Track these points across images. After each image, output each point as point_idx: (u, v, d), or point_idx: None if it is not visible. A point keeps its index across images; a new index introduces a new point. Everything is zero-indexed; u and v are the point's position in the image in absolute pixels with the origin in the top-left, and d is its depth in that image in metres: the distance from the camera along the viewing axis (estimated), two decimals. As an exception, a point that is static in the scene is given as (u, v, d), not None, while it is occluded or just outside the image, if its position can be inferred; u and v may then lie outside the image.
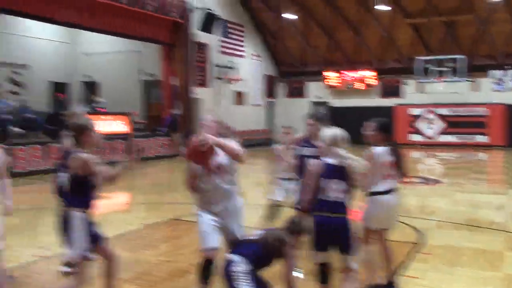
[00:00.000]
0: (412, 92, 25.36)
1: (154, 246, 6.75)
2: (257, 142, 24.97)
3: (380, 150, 4.82)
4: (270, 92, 27.81)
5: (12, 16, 15.99)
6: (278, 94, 28.42)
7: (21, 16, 15.54)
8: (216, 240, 4.33)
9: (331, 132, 4.40)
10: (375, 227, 4.90)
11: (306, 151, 5.65)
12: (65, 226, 4.03)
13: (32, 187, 12.18)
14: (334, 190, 4.22)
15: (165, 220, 8.42)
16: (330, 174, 4.24)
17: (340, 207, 4.25)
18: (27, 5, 14.21)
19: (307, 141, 5.72)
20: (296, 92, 28.18)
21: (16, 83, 19.58)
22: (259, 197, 11.54)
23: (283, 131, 6.82)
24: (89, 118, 4.34)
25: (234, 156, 4.31)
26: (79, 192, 4.06)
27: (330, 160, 4.29)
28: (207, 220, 4.38)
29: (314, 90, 27.60)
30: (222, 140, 4.25)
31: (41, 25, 18.37)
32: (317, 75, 26.85)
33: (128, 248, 6.34)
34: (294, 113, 27.64)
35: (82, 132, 4.05)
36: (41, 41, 20.46)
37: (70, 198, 4.07)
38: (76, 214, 4.00)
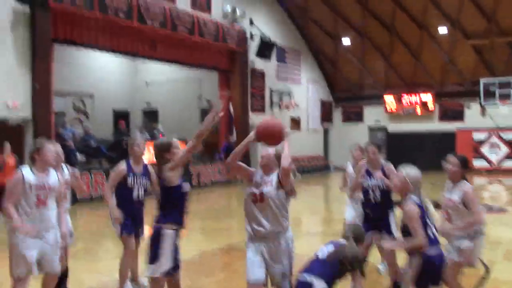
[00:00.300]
0: (475, 116, 24.49)
1: (211, 273, 6.77)
2: (313, 168, 24.82)
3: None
4: (327, 117, 27.67)
5: (77, 47, 16.73)
6: (335, 120, 28.23)
7: (86, 48, 16.26)
8: (261, 272, 4.16)
9: (415, 172, 4.30)
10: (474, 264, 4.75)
11: (370, 182, 5.64)
12: (154, 241, 4.15)
13: (95, 213, 12.57)
14: (433, 225, 4.26)
15: (222, 247, 8.44)
16: (426, 211, 4.26)
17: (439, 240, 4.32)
18: (92, 37, 14.91)
19: (368, 172, 5.70)
20: (353, 117, 27.89)
21: (81, 112, 20.46)
22: (313, 225, 11.41)
23: (355, 148, 6.85)
24: (172, 138, 4.51)
25: (283, 173, 4.10)
26: (170, 207, 4.21)
27: (416, 198, 4.23)
28: (254, 250, 4.24)
29: (371, 115, 27.23)
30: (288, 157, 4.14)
31: (106, 55, 19.13)
32: (374, 100, 26.52)
33: (186, 275, 6.37)
34: (351, 138, 27.28)
35: (168, 150, 4.23)
36: (105, 70, 21.31)
37: (161, 214, 4.23)
38: (167, 232, 4.13)
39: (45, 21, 13.19)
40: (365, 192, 5.72)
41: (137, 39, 16.29)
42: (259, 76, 21.98)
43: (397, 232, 5.23)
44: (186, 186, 4.33)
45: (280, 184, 4.16)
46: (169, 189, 4.22)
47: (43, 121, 13.22)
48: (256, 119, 21.54)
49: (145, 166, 5.57)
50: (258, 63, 21.45)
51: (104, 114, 21.13)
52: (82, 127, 18.20)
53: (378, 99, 26.38)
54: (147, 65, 21.85)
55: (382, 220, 5.61)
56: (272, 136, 4.12)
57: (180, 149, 4.35)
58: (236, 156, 4.28)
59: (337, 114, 28.27)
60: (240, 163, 4.34)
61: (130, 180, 5.38)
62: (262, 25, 21.27)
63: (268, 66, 22.25)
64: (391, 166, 5.68)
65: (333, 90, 28.01)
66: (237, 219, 11.45)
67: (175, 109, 22.12)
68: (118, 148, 15.67)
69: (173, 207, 4.23)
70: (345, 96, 27.74)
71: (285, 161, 4.07)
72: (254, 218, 4.21)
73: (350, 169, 6.95)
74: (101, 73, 21.12)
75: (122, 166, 5.46)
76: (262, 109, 22.24)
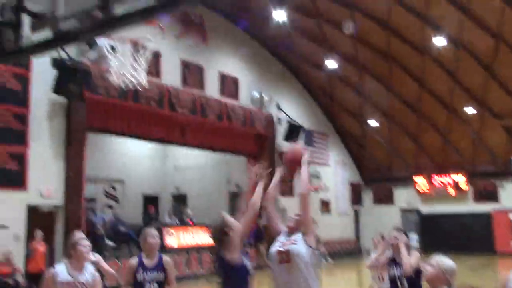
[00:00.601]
0: (511, 196, 23.84)
1: None
2: (345, 251, 24.17)
3: None
4: (356, 199, 27.30)
5: (110, 135, 17.23)
6: (365, 202, 27.81)
7: (118, 135, 16.73)
8: None
9: (449, 262, 3.91)
10: None
11: (396, 271, 5.41)
12: None
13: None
14: None
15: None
16: None
17: None
18: (125, 125, 15.37)
19: (393, 260, 5.49)
20: (384, 199, 27.45)
21: (111, 197, 20.69)
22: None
23: (376, 236, 6.68)
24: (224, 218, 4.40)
25: (300, 200, 4.07)
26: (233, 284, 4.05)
27: None
28: None
29: (402, 197, 26.77)
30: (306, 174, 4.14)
31: (136, 142, 19.57)
32: (404, 181, 26.19)
33: None
34: (382, 221, 26.70)
35: (227, 227, 4.14)
36: (135, 156, 21.76)
37: None
38: None
39: (80, 111, 13.71)
40: (392, 282, 5.47)
41: (167, 126, 16.72)
42: (287, 159, 22.06)
43: None
44: (249, 263, 4.22)
45: (306, 242, 3.99)
46: (233, 269, 4.07)
47: (74, 207, 13.36)
48: (286, 202, 21.41)
49: (160, 260, 5.20)
50: (286, 147, 21.64)
51: (134, 199, 21.32)
52: (112, 213, 18.35)
53: (408, 180, 26.05)
54: (176, 150, 22.25)
55: None
56: (298, 160, 4.28)
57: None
58: (270, 196, 4.34)
59: (367, 196, 27.89)
60: (275, 211, 4.33)
61: (139, 276, 5.05)
62: (289, 109, 21.69)
63: (296, 149, 22.36)
64: (416, 253, 5.42)
65: (362, 171, 27.86)
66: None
67: (204, 193, 22.19)
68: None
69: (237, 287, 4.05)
70: (375, 178, 27.49)
71: (302, 185, 4.08)
72: (280, 282, 3.93)
73: (372, 261, 6.71)
74: (131, 159, 21.55)
75: (132, 261, 5.20)
76: (291, 192, 22.11)
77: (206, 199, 21.78)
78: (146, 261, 5.12)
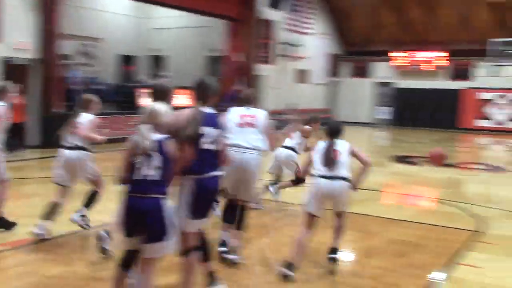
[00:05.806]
0: (484, 76, 24.26)
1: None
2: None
3: None
4: (334, 71, 27.41)
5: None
6: (342, 74, 27.97)
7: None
8: None
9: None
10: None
11: None
12: None
13: (98, 156, 12.66)
14: None
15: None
16: None
17: None
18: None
19: None
20: (361, 72, 27.68)
21: (87, 56, 20.32)
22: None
23: None
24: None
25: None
26: None
27: None
28: None
29: (380, 71, 27.03)
30: None
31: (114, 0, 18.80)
32: (384, 55, 26.25)
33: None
34: (358, 93, 27.27)
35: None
36: (113, 15, 21.03)
37: None
38: None
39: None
40: None
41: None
42: (269, 26, 21.67)
43: None
44: None
45: None
46: None
47: (49, 62, 13.23)
48: (263, 69, 21.46)
49: None
50: (268, 13, 21.13)
51: (111, 58, 21.01)
52: (88, 71, 18.21)
53: (387, 55, 26.18)
54: (155, 10, 21.52)
55: None
56: None
57: None
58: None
59: (346, 69, 27.99)
60: None
61: None
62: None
63: (278, 17, 21.88)
64: None
65: (343, 44, 27.57)
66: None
67: (182, 56, 21.93)
68: (123, 92, 15.71)
69: None
70: (355, 51, 27.36)
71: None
72: None
73: None
74: (109, 18, 20.87)
75: None
76: (269, 60, 22.04)
77: (184, 62, 21.59)
78: None
